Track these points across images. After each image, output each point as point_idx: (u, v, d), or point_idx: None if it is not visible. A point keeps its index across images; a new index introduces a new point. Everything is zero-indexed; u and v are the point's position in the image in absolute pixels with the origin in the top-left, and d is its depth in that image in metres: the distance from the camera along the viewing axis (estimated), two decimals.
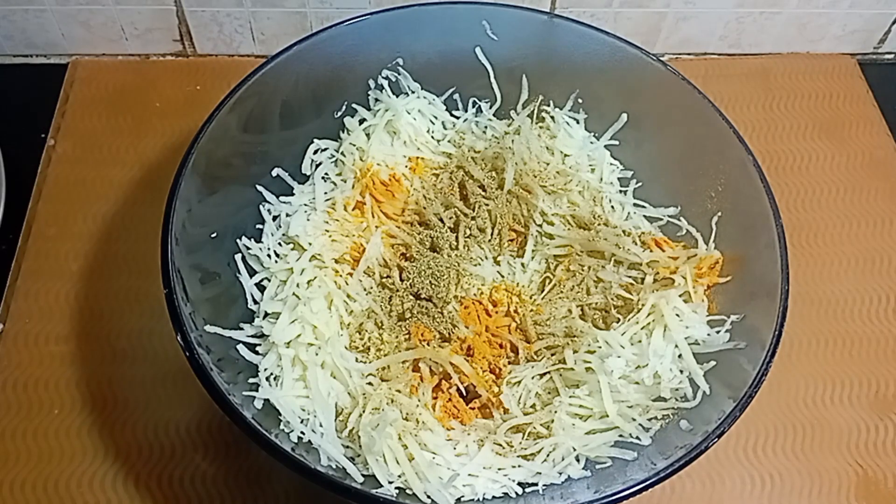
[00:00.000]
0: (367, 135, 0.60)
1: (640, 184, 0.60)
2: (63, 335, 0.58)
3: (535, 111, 0.62)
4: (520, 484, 0.47)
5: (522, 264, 0.56)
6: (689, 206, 0.57)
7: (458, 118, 0.64)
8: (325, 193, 0.58)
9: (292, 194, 0.58)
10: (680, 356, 0.50)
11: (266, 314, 0.52)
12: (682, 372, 0.49)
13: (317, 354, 0.49)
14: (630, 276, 0.55)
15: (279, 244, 0.56)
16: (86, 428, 0.54)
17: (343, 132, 0.61)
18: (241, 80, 0.53)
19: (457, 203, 0.58)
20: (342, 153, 0.60)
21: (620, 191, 0.60)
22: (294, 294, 0.52)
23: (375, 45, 0.59)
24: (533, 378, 0.50)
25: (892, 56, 0.80)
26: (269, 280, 0.54)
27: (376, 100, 0.61)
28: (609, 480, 0.45)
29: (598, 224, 0.57)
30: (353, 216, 0.57)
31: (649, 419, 0.48)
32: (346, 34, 0.57)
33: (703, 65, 0.76)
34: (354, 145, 0.60)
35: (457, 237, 0.56)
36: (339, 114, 0.61)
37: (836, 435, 0.56)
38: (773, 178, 0.50)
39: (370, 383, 0.50)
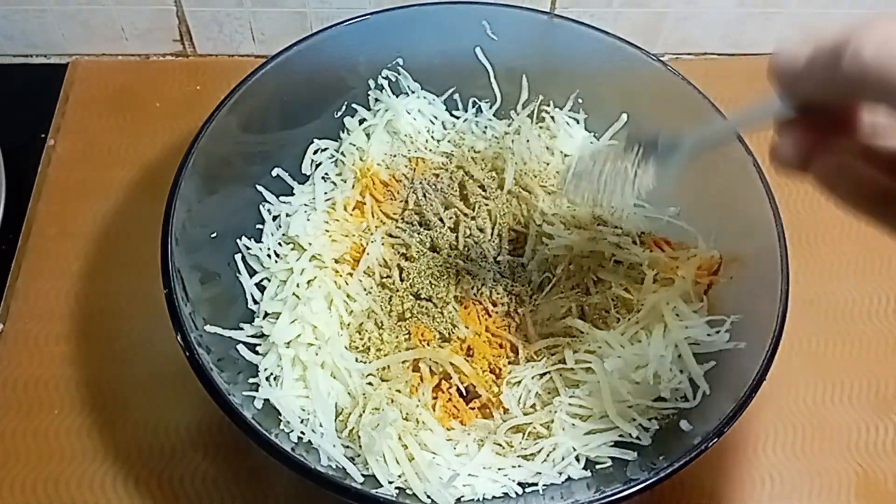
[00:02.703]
0: (367, 135, 0.60)
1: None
2: (63, 335, 0.58)
3: (535, 111, 0.62)
4: (520, 484, 0.47)
5: (522, 264, 0.56)
6: (689, 206, 0.57)
7: (458, 118, 0.64)
8: (325, 193, 0.59)
9: (292, 194, 0.58)
10: (680, 356, 0.50)
11: (266, 314, 0.52)
12: (682, 372, 0.49)
13: (317, 354, 0.50)
14: (630, 276, 0.55)
15: (279, 244, 0.56)
16: (86, 428, 0.54)
17: (343, 132, 0.61)
18: (241, 80, 0.53)
19: (457, 203, 0.58)
20: (342, 153, 0.60)
21: None
22: (294, 294, 0.52)
23: (375, 45, 0.59)
24: (533, 378, 0.50)
25: None
26: (269, 280, 0.54)
27: (376, 100, 0.61)
28: (609, 480, 0.45)
29: (598, 224, 0.57)
30: (353, 216, 0.57)
31: (649, 419, 0.48)
32: (346, 34, 0.57)
33: (703, 65, 0.76)
34: (354, 145, 0.60)
35: (457, 237, 0.56)
36: (339, 114, 0.61)
37: (836, 435, 0.56)
38: (773, 178, 0.50)
39: (370, 383, 0.50)
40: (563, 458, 0.47)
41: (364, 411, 0.48)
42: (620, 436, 0.48)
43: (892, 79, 0.26)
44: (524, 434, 0.48)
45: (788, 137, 0.33)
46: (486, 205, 0.57)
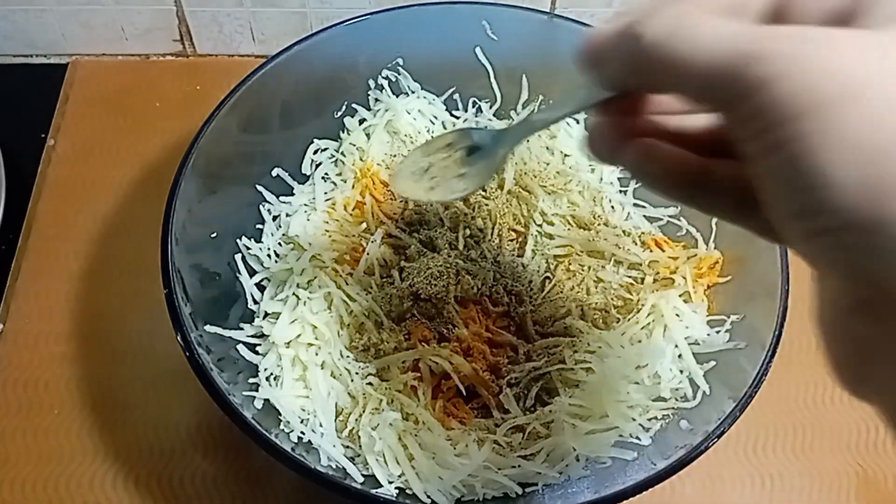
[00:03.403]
0: (367, 135, 0.60)
1: (639, 184, 0.60)
2: (63, 335, 0.58)
3: (535, 111, 0.62)
4: (520, 484, 0.47)
5: (522, 264, 0.56)
6: None
7: (458, 118, 0.64)
8: (325, 193, 0.59)
9: (292, 194, 0.58)
10: (680, 356, 0.50)
11: (266, 314, 0.52)
12: (682, 372, 0.49)
13: (317, 354, 0.50)
14: (630, 276, 0.55)
15: (279, 244, 0.56)
16: (86, 428, 0.54)
17: (343, 132, 0.61)
18: (241, 80, 0.53)
19: (457, 203, 0.58)
20: (342, 153, 0.60)
21: (620, 191, 0.60)
22: (294, 294, 0.52)
23: (375, 45, 0.59)
24: (533, 378, 0.50)
25: None
26: (269, 280, 0.54)
27: (376, 100, 0.61)
28: (609, 480, 0.45)
29: (598, 224, 0.57)
30: (353, 216, 0.57)
31: (649, 419, 0.48)
32: (346, 34, 0.57)
33: None
34: (354, 145, 0.60)
35: (456, 237, 0.56)
36: (339, 114, 0.61)
37: (836, 435, 0.56)
38: None
39: (370, 383, 0.50)
40: (562, 458, 0.47)
41: (364, 411, 0.48)
42: (620, 436, 0.48)
43: (677, 67, 0.23)
44: (524, 434, 0.48)
45: (598, 126, 0.30)
46: (486, 205, 0.57)
